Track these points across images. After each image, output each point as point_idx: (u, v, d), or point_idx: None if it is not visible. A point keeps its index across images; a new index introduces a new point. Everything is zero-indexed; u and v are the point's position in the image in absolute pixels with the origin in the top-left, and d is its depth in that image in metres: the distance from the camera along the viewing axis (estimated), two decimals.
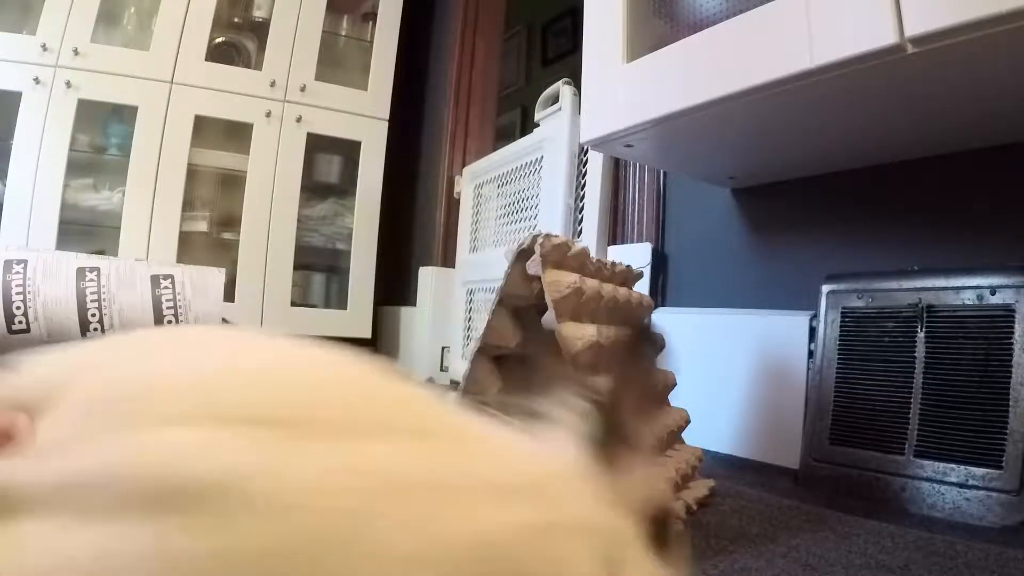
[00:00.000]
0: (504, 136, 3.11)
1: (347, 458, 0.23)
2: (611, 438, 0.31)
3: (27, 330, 1.53)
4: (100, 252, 1.95)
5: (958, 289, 0.80)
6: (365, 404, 0.27)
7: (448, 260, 2.23)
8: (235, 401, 0.24)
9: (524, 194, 1.78)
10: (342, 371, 0.30)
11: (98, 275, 1.60)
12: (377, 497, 0.23)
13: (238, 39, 2.25)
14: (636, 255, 1.39)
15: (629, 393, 0.35)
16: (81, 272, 1.59)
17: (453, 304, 2.13)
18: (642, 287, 1.34)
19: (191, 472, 0.21)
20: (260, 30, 2.25)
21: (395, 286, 2.58)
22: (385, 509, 0.23)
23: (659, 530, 0.31)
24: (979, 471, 0.76)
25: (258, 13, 2.27)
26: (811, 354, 0.99)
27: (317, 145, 2.31)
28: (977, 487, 0.76)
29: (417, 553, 0.22)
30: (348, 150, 2.37)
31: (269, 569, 0.21)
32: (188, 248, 2.12)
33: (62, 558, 0.21)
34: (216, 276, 1.72)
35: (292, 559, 0.21)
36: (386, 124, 2.37)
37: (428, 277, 2.20)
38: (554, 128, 1.64)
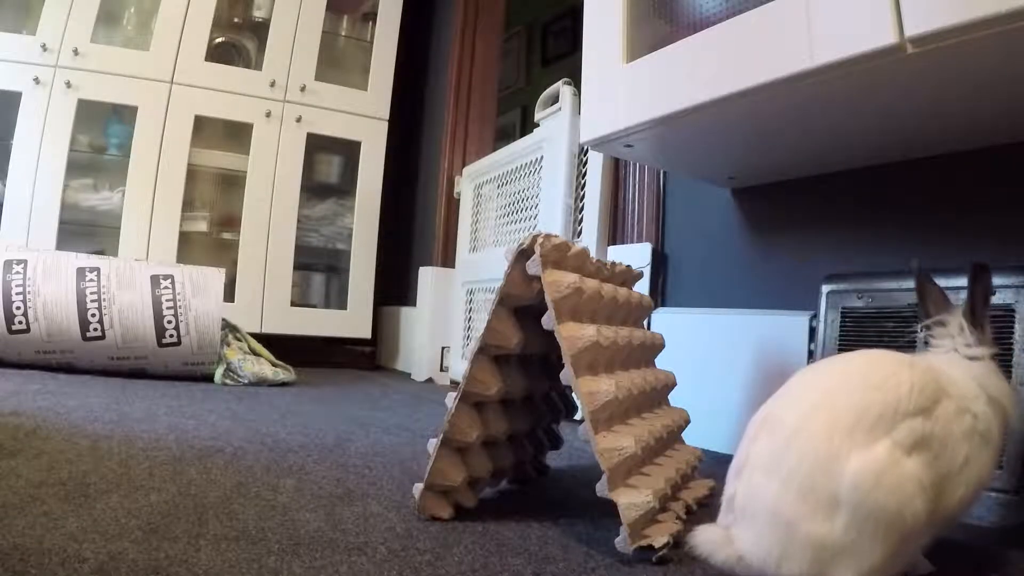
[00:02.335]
0: (504, 136, 3.12)
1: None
2: None
3: (27, 330, 1.53)
4: (100, 252, 1.95)
5: (958, 289, 0.79)
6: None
7: (448, 260, 2.23)
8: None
9: (524, 194, 1.78)
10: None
11: (98, 275, 1.60)
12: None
13: (238, 39, 2.25)
14: (636, 255, 1.39)
15: None
16: (81, 272, 1.59)
17: (453, 304, 2.13)
18: (642, 287, 1.34)
19: None
20: (260, 30, 2.25)
21: (395, 286, 2.58)
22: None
23: None
24: None
25: (258, 13, 2.27)
26: (811, 354, 0.99)
27: (317, 145, 2.31)
28: None
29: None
30: (348, 150, 2.37)
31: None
32: (188, 248, 2.12)
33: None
34: (216, 276, 1.72)
35: None
36: (386, 124, 2.37)
37: (428, 277, 2.20)
38: (554, 128, 1.64)
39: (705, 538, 0.51)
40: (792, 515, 0.46)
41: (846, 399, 0.49)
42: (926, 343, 0.59)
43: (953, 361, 0.56)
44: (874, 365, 0.52)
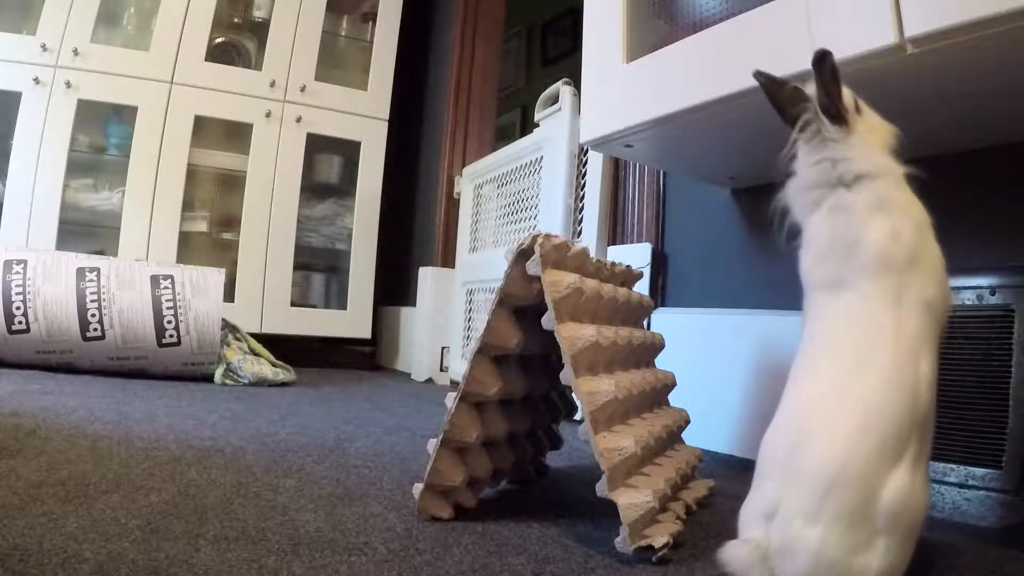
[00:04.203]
0: (504, 136, 3.12)
1: None
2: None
3: (27, 330, 1.53)
4: (100, 252, 1.95)
5: (958, 289, 0.80)
6: None
7: (448, 260, 2.23)
8: None
9: (524, 194, 1.78)
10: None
11: (98, 275, 1.60)
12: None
13: (238, 39, 2.25)
14: (636, 255, 1.39)
15: None
16: (81, 272, 1.59)
17: (453, 304, 2.13)
18: (642, 287, 1.34)
19: None
20: (260, 30, 2.25)
21: (395, 286, 2.58)
22: None
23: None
24: (979, 471, 0.76)
25: (258, 13, 2.27)
26: None
27: (317, 145, 2.31)
28: (977, 487, 0.76)
29: None
30: (348, 150, 2.37)
31: None
32: (188, 248, 2.12)
33: None
34: (216, 276, 1.72)
35: None
36: (386, 124, 2.37)
37: (428, 277, 2.20)
38: (554, 128, 1.64)
39: (736, 556, 0.49)
40: (837, 555, 0.46)
41: (872, 435, 0.47)
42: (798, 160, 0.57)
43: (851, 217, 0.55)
44: (884, 378, 0.49)
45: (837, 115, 0.55)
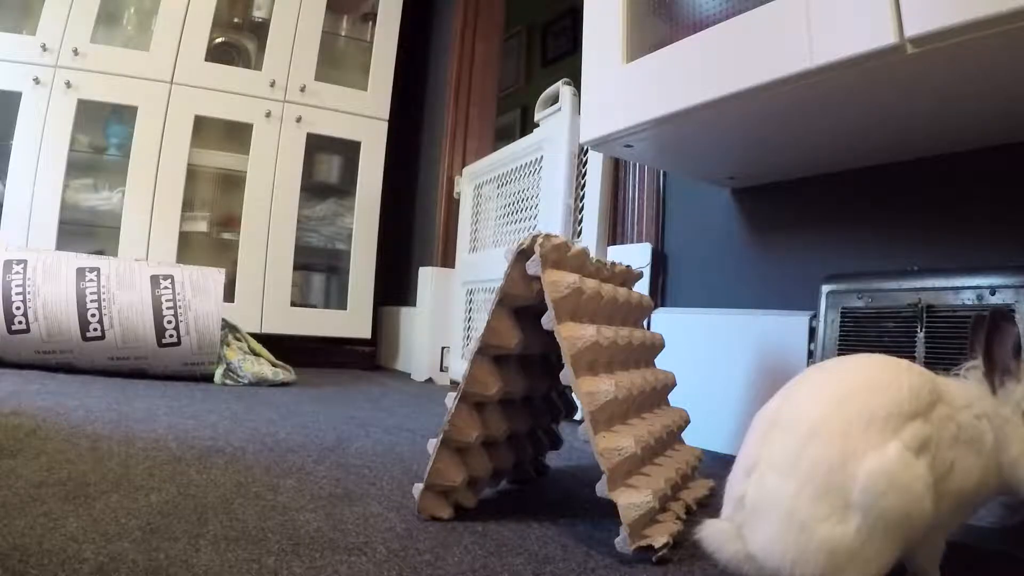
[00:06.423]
0: (504, 136, 3.11)
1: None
2: None
3: (27, 330, 1.53)
4: (100, 252, 1.95)
5: (958, 289, 0.80)
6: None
7: (448, 260, 2.23)
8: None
9: (524, 194, 1.78)
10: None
11: (98, 275, 1.60)
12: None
13: (238, 39, 2.25)
14: (636, 255, 1.39)
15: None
16: (81, 272, 1.59)
17: (453, 304, 2.13)
18: (642, 287, 1.34)
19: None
20: (260, 30, 2.25)
21: (395, 286, 2.58)
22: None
23: None
24: None
25: (258, 13, 2.27)
26: (811, 354, 0.99)
27: (317, 145, 2.31)
28: None
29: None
30: (348, 150, 2.37)
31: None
32: (188, 248, 2.12)
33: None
34: (216, 276, 1.72)
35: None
36: (386, 124, 2.37)
37: (428, 277, 2.20)
38: (554, 128, 1.64)
39: (713, 531, 0.50)
40: (808, 517, 0.46)
41: (856, 401, 0.49)
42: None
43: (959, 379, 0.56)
44: (876, 369, 0.52)
45: (991, 373, 0.56)
